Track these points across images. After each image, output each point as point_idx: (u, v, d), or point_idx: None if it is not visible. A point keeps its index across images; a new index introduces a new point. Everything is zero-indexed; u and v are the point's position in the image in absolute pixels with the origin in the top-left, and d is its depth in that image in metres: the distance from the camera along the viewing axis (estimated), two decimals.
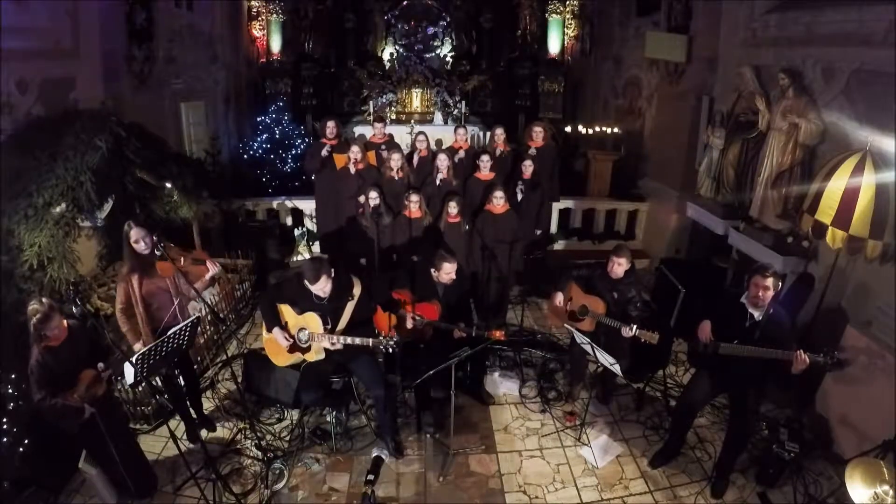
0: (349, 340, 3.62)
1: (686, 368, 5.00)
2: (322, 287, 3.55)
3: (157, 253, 3.75)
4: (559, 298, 4.31)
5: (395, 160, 5.53)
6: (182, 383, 4.14)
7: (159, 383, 4.16)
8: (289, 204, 7.30)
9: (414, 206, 5.16)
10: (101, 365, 3.30)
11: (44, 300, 3.15)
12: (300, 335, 3.70)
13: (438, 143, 7.79)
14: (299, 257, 7.11)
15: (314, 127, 8.65)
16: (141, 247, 3.63)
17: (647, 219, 7.65)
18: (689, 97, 6.80)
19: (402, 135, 7.36)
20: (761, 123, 5.07)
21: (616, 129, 8.06)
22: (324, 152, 5.80)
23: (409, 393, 4.60)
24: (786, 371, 3.38)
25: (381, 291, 4.34)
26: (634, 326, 3.92)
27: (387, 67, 9.78)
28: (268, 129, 8.04)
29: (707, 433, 4.35)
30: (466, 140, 6.43)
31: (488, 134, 7.32)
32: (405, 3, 9.78)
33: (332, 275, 3.57)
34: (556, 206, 7.14)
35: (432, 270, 4.18)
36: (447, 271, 4.11)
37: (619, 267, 4.11)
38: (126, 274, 3.70)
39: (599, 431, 4.40)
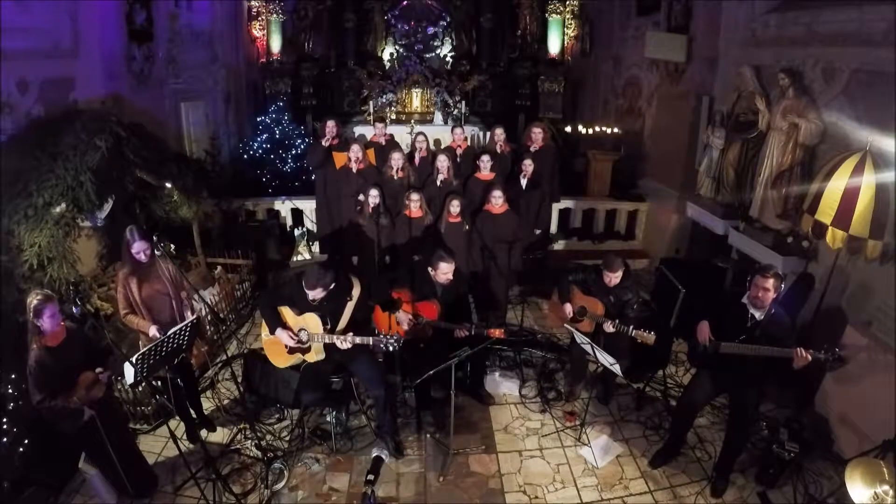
0: (358, 340, 3.62)
1: (686, 368, 4.99)
2: (315, 294, 3.59)
3: (158, 253, 3.76)
4: (568, 309, 4.30)
5: (396, 160, 5.53)
6: (181, 384, 4.14)
7: (160, 382, 4.15)
8: (289, 204, 7.29)
9: (414, 205, 5.16)
10: (99, 369, 3.31)
11: (43, 291, 3.19)
12: (301, 335, 3.70)
13: (437, 143, 7.79)
14: (299, 257, 7.10)
15: (314, 127, 8.64)
16: (141, 258, 3.64)
17: (647, 219, 7.65)
18: (689, 97, 6.79)
19: (402, 135, 7.36)
20: (761, 123, 5.06)
21: (616, 129, 8.05)
22: (324, 143, 5.83)
23: (409, 393, 4.60)
24: (787, 370, 3.38)
25: (381, 291, 4.35)
26: (618, 322, 3.96)
27: (387, 67, 9.77)
28: (268, 129, 8.02)
29: (707, 433, 4.35)
30: (465, 140, 6.43)
31: (488, 134, 7.32)
32: (405, 3, 9.77)
33: (331, 287, 3.60)
34: (556, 206, 7.14)
35: (429, 269, 4.18)
36: (444, 271, 4.11)
37: (614, 279, 4.13)
38: (125, 277, 3.69)
39: (599, 431, 4.40)
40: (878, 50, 4.09)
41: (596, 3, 9.41)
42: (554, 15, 9.63)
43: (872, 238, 3.83)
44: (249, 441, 4.17)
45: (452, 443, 4.09)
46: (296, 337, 3.69)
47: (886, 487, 2.61)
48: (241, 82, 8.91)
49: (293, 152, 7.85)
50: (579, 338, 4.09)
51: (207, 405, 4.53)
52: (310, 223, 7.27)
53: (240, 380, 4.54)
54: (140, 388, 4.04)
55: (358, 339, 3.63)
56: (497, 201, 5.10)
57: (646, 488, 3.89)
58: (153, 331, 3.65)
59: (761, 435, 4.14)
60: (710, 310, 3.72)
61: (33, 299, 3.10)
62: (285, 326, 3.74)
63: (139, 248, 3.61)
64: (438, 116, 9.40)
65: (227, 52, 8.40)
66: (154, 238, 3.70)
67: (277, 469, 3.93)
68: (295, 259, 7.09)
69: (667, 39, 7.06)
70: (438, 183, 5.52)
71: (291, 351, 3.76)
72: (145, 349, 3.18)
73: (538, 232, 6.19)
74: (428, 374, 3.81)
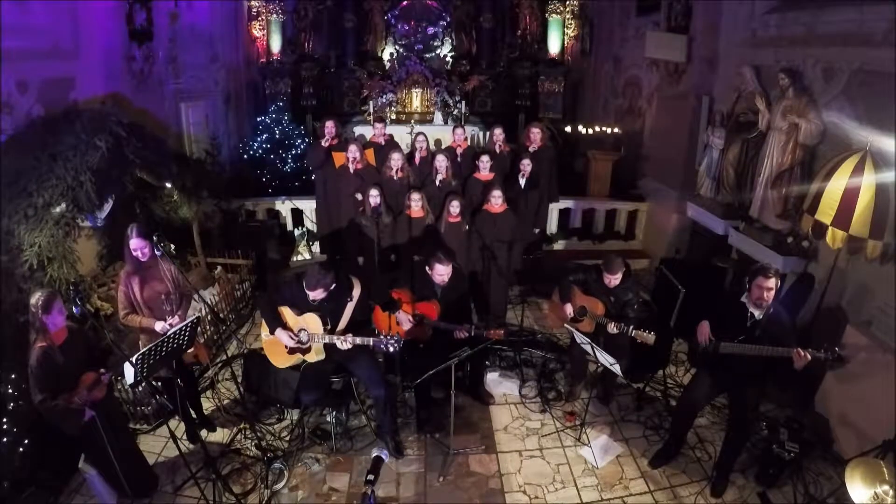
0: (359, 341, 3.62)
1: (686, 368, 5.00)
2: (315, 295, 3.60)
3: (158, 253, 3.75)
4: (569, 309, 4.30)
5: (396, 160, 5.53)
6: (181, 384, 4.14)
7: (160, 382, 4.15)
8: (289, 204, 7.30)
9: (415, 205, 5.17)
10: (102, 369, 3.31)
11: (47, 289, 3.21)
12: (301, 335, 3.70)
13: (437, 143, 7.78)
14: (299, 257, 7.10)
15: (314, 127, 8.64)
16: (139, 255, 3.64)
17: (647, 219, 7.65)
18: (689, 97, 6.79)
19: (402, 135, 7.36)
20: (761, 123, 5.07)
21: (616, 129, 8.05)
22: (323, 143, 5.86)
23: (409, 393, 4.60)
24: (787, 370, 3.38)
25: (382, 291, 4.35)
26: (622, 324, 3.96)
27: (387, 67, 9.77)
28: (268, 129, 8.02)
29: (707, 433, 4.35)
30: (466, 139, 6.43)
31: (488, 134, 7.32)
32: (405, 3, 9.77)
33: (331, 288, 3.60)
34: (556, 206, 7.14)
35: (426, 269, 4.19)
36: (440, 273, 4.11)
37: (613, 281, 4.13)
38: (127, 276, 3.70)
39: (599, 431, 4.40)
40: (878, 50, 4.10)
41: (596, 3, 9.42)
42: (554, 15, 9.64)
43: (872, 238, 3.83)
44: (249, 441, 4.17)
45: (452, 443, 4.10)
46: (296, 337, 3.69)
47: (886, 487, 2.61)
48: (241, 82, 8.91)
49: (293, 152, 7.85)
50: (579, 338, 4.09)
51: (207, 405, 4.54)
52: (310, 223, 7.27)
53: (240, 380, 4.53)
54: (140, 388, 4.03)
55: (358, 340, 3.63)
56: (496, 201, 5.10)
57: (646, 488, 3.89)
58: (161, 325, 3.64)
59: (761, 435, 4.14)
60: (710, 310, 3.72)
61: (41, 296, 3.11)
62: (285, 326, 3.74)
63: (136, 246, 3.61)
64: (438, 116, 9.40)
65: (227, 52, 8.40)
66: (154, 238, 3.69)
67: (277, 469, 3.93)
68: (295, 259, 7.09)
69: (667, 39, 7.06)
70: (437, 183, 5.52)
71: (291, 351, 3.76)
72: (145, 349, 3.18)
73: (537, 231, 6.20)
74: (428, 374, 3.80)
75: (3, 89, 4.47)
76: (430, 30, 9.89)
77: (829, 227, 4.00)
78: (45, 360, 3.06)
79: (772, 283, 3.41)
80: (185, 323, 3.47)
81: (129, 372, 3.13)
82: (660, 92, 7.61)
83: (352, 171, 5.63)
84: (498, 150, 6.01)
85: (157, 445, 4.14)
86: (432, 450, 4.19)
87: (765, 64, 5.25)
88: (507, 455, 4.17)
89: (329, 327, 3.71)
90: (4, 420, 3.44)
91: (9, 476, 3.43)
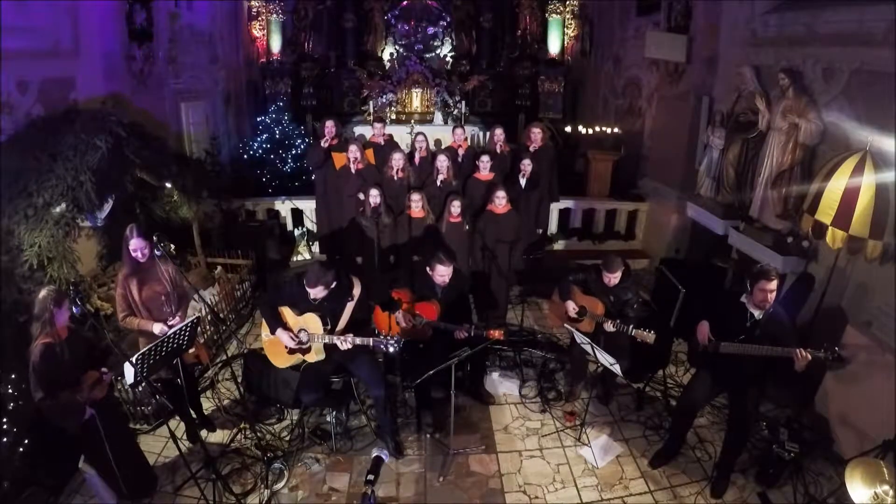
0: (359, 341, 3.62)
1: (686, 368, 5.00)
2: (316, 293, 3.60)
3: (158, 253, 3.75)
4: (572, 305, 4.29)
5: (397, 160, 5.54)
6: (181, 384, 4.13)
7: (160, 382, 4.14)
8: (289, 204, 7.30)
9: (416, 205, 5.17)
10: (104, 368, 3.31)
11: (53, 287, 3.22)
12: (301, 336, 3.70)
13: (437, 143, 7.79)
14: (299, 257, 7.11)
15: (314, 127, 8.64)
16: (138, 256, 3.63)
17: (647, 219, 7.65)
18: (689, 97, 6.79)
19: (402, 135, 7.36)
20: (761, 123, 5.07)
21: (616, 129, 8.06)
22: (323, 143, 5.86)
23: (409, 393, 4.60)
24: (787, 369, 3.38)
25: (382, 291, 4.35)
26: (618, 322, 3.96)
27: (387, 67, 9.78)
28: (268, 129, 8.03)
29: (707, 433, 4.35)
30: (466, 140, 6.43)
31: (488, 134, 7.32)
32: (405, 3, 9.78)
33: (332, 286, 3.60)
34: (556, 206, 7.14)
35: (427, 269, 4.19)
36: (440, 273, 4.11)
37: (613, 279, 4.14)
38: (124, 278, 3.68)
39: (599, 431, 4.40)
40: (878, 50, 4.10)
41: (596, 3, 9.42)
42: (554, 15, 9.65)
43: (872, 238, 3.83)
44: (249, 441, 4.17)
45: (452, 443, 4.09)
46: (296, 337, 3.69)
47: (886, 487, 2.61)
48: (241, 82, 8.92)
49: (293, 152, 7.86)
50: (579, 338, 4.09)
51: (207, 405, 4.54)
52: (310, 223, 7.27)
53: (240, 380, 4.53)
54: (140, 388, 4.03)
55: (358, 340, 3.63)
56: (500, 202, 5.11)
57: (646, 488, 3.89)
58: (159, 328, 3.63)
59: (761, 435, 4.14)
60: (710, 310, 3.72)
61: (53, 290, 3.12)
62: (285, 326, 3.74)
63: (136, 246, 3.60)
64: (438, 116, 9.41)
65: (227, 52, 8.40)
66: (154, 238, 3.69)
67: (277, 469, 3.93)
68: (295, 259, 7.09)
69: (667, 39, 7.06)
70: (438, 183, 5.52)
71: (291, 351, 3.76)
72: (145, 349, 3.17)
73: (539, 231, 6.20)
74: (428, 374, 3.80)
75: (3, 89, 4.48)
76: (430, 30, 9.89)
77: (829, 227, 4.00)
78: (47, 355, 3.06)
79: (774, 285, 3.42)
80: (184, 323, 3.47)
81: (129, 372, 3.13)
82: (660, 92, 7.61)
83: (353, 171, 5.63)
84: (498, 150, 6.01)
85: (157, 445, 4.14)
86: (432, 450, 4.19)
87: (765, 64, 5.25)
88: (507, 455, 4.17)
89: (329, 327, 3.71)
90: (4, 420, 3.43)
91: (9, 476, 3.43)
